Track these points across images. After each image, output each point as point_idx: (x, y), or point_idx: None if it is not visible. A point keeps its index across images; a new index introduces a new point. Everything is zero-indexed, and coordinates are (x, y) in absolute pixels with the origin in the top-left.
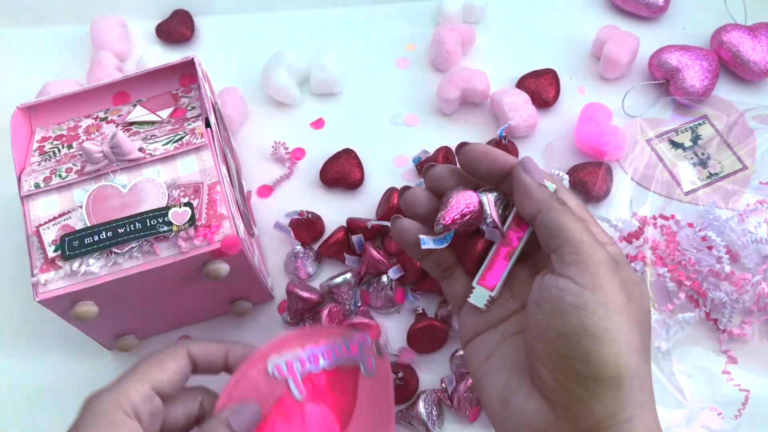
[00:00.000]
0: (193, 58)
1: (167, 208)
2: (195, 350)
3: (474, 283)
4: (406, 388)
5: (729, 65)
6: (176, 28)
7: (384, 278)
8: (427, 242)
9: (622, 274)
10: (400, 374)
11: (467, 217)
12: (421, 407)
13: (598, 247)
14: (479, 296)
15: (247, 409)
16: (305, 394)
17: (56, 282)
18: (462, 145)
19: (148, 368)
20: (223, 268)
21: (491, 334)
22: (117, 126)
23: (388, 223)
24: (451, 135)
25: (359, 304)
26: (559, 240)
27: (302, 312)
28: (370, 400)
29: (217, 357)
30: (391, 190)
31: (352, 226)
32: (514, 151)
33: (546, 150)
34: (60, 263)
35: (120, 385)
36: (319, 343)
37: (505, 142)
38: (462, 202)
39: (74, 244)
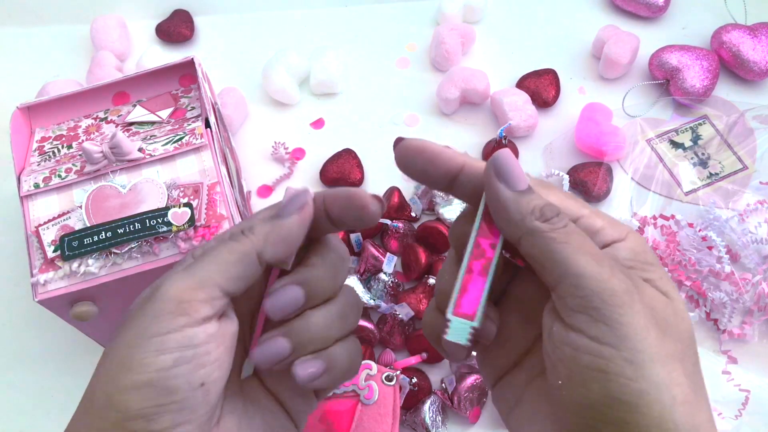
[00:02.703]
0: (192, 58)
1: (167, 208)
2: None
3: (448, 314)
4: (420, 392)
5: (729, 65)
6: (176, 28)
7: (383, 276)
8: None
9: (647, 299)
10: (414, 380)
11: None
12: (426, 414)
13: (606, 273)
14: (458, 330)
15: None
16: None
17: (56, 282)
18: (397, 141)
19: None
20: None
21: (516, 375)
22: (117, 126)
23: (387, 222)
24: (451, 135)
25: None
26: (554, 275)
27: None
28: (367, 428)
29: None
30: (391, 190)
31: None
32: (514, 151)
33: (546, 150)
34: (59, 263)
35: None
36: None
37: (505, 142)
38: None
39: (74, 245)
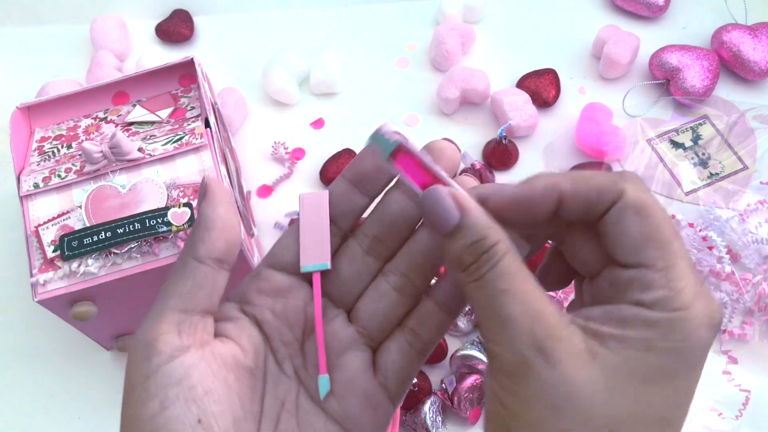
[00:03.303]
0: (192, 58)
1: (166, 208)
2: None
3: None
4: (420, 392)
5: (729, 65)
6: (176, 28)
7: None
8: None
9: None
10: (414, 380)
11: None
12: (426, 414)
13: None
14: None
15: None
16: None
17: (55, 282)
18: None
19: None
20: None
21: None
22: (116, 126)
23: None
24: (451, 135)
25: None
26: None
27: None
28: None
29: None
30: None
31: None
32: (514, 151)
33: (546, 150)
34: (59, 263)
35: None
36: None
37: (506, 142)
38: None
39: (73, 245)
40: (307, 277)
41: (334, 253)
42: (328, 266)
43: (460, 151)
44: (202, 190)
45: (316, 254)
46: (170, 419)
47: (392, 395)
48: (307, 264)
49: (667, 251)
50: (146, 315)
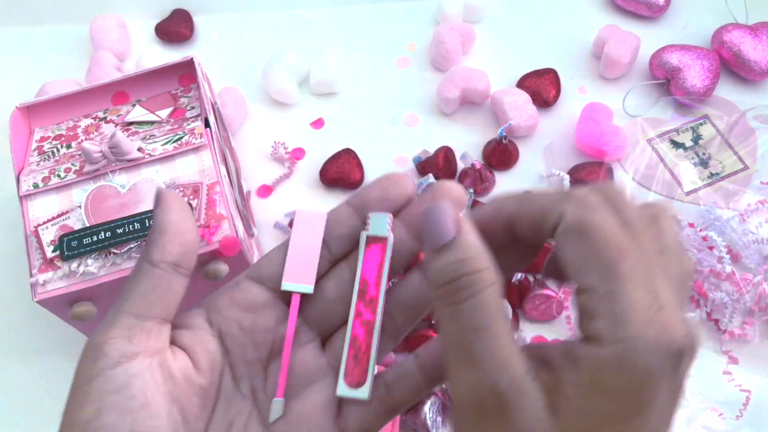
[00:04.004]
0: (192, 58)
1: None
2: None
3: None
4: None
5: (730, 65)
6: (176, 28)
7: None
8: None
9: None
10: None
11: None
12: (426, 415)
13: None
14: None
15: None
16: None
17: (55, 282)
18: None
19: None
20: (222, 268)
21: None
22: (116, 126)
23: None
24: (451, 135)
25: None
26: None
27: None
28: None
29: None
30: None
31: None
32: (514, 151)
33: (546, 150)
34: (59, 263)
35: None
36: None
37: (506, 142)
38: None
39: (73, 245)
40: (287, 297)
41: (320, 278)
42: (311, 290)
43: (468, 196)
44: (155, 198)
45: (300, 275)
46: (103, 427)
47: None
48: (289, 282)
49: (609, 274)
50: (103, 320)
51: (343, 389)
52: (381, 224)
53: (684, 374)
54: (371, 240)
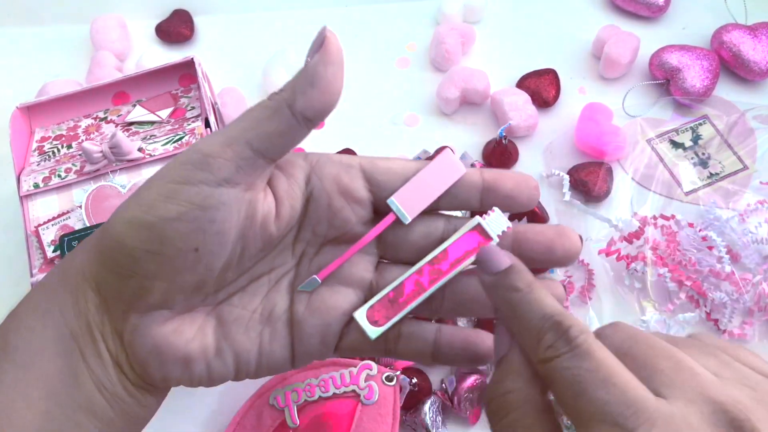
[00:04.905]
0: (192, 58)
1: None
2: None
3: (359, 315)
4: (420, 392)
5: (729, 65)
6: (176, 28)
7: None
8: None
9: None
10: (414, 380)
11: None
12: (426, 414)
13: None
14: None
15: None
16: (299, 423)
17: None
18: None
19: None
20: None
21: None
22: (116, 126)
23: None
24: (451, 135)
25: None
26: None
27: None
28: (367, 428)
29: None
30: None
31: None
32: (514, 151)
33: (546, 150)
34: None
35: None
36: (318, 374)
37: (506, 142)
38: None
39: (73, 245)
40: (381, 206)
41: (417, 216)
42: (407, 222)
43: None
44: (318, 40)
45: (409, 202)
46: (176, 230)
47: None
48: (396, 202)
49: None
50: (216, 132)
51: (360, 315)
52: (498, 226)
53: None
54: (478, 229)
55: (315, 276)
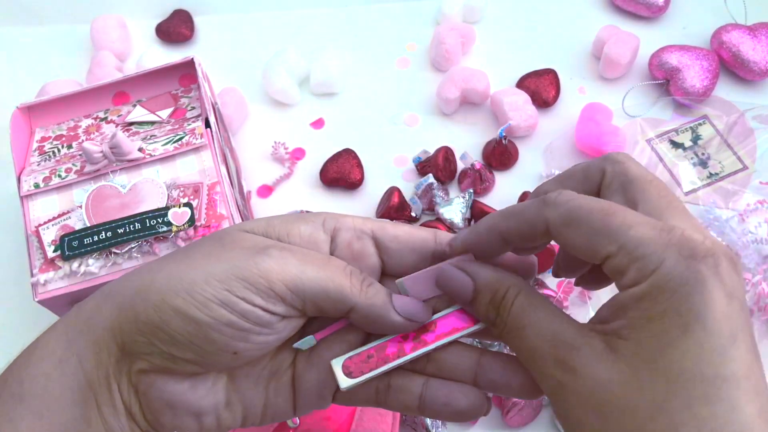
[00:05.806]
0: (192, 58)
1: (167, 208)
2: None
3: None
4: None
5: (729, 65)
6: (176, 28)
7: None
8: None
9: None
10: None
11: None
12: None
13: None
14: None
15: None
16: (299, 423)
17: (56, 282)
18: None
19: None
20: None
21: None
22: (117, 126)
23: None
24: (451, 135)
25: None
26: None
27: None
28: (367, 428)
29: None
30: (391, 190)
31: None
32: (514, 151)
33: (546, 150)
34: (59, 263)
35: None
36: None
37: (505, 142)
38: None
39: (74, 245)
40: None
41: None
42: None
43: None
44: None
45: (415, 292)
46: (222, 335)
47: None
48: (404, 283)
49: (611, 238)
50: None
51: (337, 364)
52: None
53: (731, 278)
54: (469, 312)
55: (312, 336)
